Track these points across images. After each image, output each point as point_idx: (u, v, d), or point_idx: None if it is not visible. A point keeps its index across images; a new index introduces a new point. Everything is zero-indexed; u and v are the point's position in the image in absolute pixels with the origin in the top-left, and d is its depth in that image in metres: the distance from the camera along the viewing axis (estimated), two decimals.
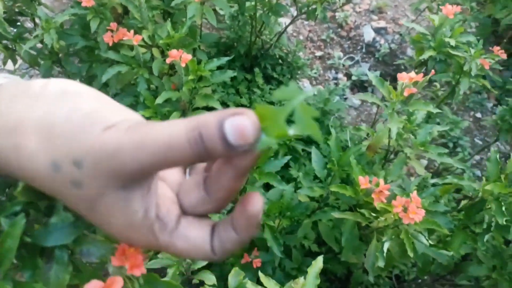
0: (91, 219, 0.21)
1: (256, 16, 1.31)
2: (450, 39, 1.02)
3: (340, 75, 2.12)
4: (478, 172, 1.82)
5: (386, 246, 0.67)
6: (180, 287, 0.26)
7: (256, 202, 0.22)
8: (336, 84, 2.11)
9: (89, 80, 1.14)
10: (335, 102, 1.50)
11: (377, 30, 2.27)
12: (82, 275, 0.22)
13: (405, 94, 0.72)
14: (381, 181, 0.75)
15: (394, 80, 2.32)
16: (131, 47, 1.00)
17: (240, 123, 0.19)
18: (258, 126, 0.20)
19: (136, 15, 0.97)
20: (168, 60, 0.87)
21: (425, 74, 0.79)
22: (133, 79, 1.06)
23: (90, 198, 0.20)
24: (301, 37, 2.21)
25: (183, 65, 0.87)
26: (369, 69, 2.17)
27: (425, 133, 0.84)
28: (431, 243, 0.66)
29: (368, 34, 2.24)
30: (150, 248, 0.23)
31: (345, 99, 2.08)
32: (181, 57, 0.87)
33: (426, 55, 1.02)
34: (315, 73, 2.07)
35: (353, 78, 2.09)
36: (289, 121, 0.21)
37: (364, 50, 2.20)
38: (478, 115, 2.06)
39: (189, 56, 0.87)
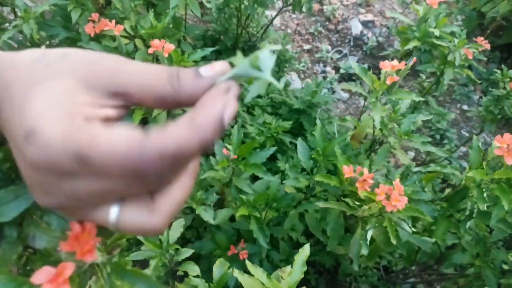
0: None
1: (241, 8, 1.29)
2: (435, 29, 1.03)
3: (328, 68, 2.12)
4: (465, 164, 1.84)
5: (369, 234, 0.67)
6: (146, 275, 0.26)
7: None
8: (324, 78, 2.11)
9: None
10: (322, 95, 1.50)
11: (365, 23, 2.27)
12: (36, 257, 0.21)
13: (388, 82, 0.72)
14: (365, 170, 0.75)
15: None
16: (114, 38, 0.98)
17: (211, 64, 0.23)
18: (226, 64, 0.23)
19: (118, 5, 0.96)
20: (150, 50, 0.86)
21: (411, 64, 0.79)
22: None
23: None
24: (289, 31, 2.20)
25: (166, 55, 0.86)
26: (357, 62, 2.17)
27: (408, 122, 0.84)
28: (414, 230, 0.66)
29: (356, 28, 2.24)
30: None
31: (333, 92, 2.08)
32: (163, 47, 0.86)
33: (410, 45, 1.02)
34: (303, 66, 2.06)
35: (341, 71, 2.10)
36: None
37: (352, 43, 2.20)
38: (465, 107, 2.08)
39: (172, 46, 0.86)
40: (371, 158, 0.92)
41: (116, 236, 0.28)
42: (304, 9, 1.18)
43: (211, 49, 0.97)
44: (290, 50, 1.91)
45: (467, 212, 0.67)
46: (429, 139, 0.80)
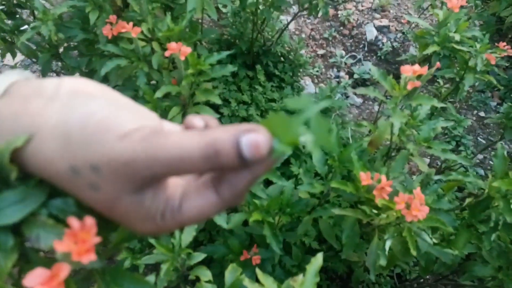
0: (112, 217, 0.23)
1: (257, 11, 1.29)
2: (455, 34, 1.01)
3: (342, 74, 2.10)
4: (481, 171, 1.80)
5: (388, 244, 0.65)
6: (147, 282, 0.25)
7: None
8: (338, 83, 2.09)
9: (89, 74, 1.12)
10: (336, 99, 1.48)
11: (380, 29, 2.25)
12: (30, 265, 0.19)
13: (408, 87, 0.70)
14: (383, 177, 0.73)
15: (397, 78, 2.31)
16: (131, 40, 0.98)
17: (254, 139, 0.21)
18: (271, 140, 0.22)
19: (135, 8, 0.96)
20: (167, 53, 0.86)
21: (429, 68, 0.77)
22: (132, 73, 1.04)
23: (108, 199, 0.22)
24: (303, 35, 2.20)
25: (183, 58, 0.86)
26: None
27: (428, 128, 0.82)
28: (435, 241, 0.64)
29: (371, 33, 2.22)
30: (161, 232, 0.24)
31: (347, 97, 2.06)
32: (180, 50, 0.86)
33: (429, 50, 1.00)
34: (317, 71, 2.05)
35: (355, 76, 2.08)
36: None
37: (366, 48, 2.18)
38: (482, 114, 2.04)
39: (188, 49, 0.86)
40: (388, 165, 0.90)
41: (117, 238, 0.27)
42: (320, 13, 1.17)
43: (227, 52, 0.97)
44: (304, 55, 1.90)
45: (491, 224, 0.65)
46: (450, 146, 0.77)
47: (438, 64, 0.75)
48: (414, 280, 1.29)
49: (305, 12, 1.44)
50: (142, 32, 0.96)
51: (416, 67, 0.70)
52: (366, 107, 2.04)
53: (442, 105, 0.75)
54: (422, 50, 1.09)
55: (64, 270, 0.19)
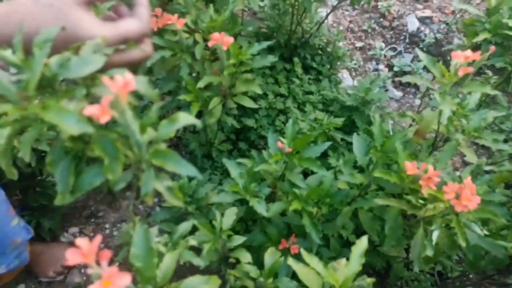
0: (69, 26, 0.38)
1: (296, 3, 1.28)
2: (509, 20, 0.95)
3: (381, 66, 2.05)
4: None
5: (435, 234, 0.63)
6: (177, 155, 0.34)
7: None
8: (378, 75, 2.04)
9: (134, 68, 1.16)
10: (376, 92, 1.45)
11: (422, 20, 2.17)
12: None
13: (460, 73, 0.67)
14: (430, 167, 0.71)
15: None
16: (175, 32, 1.01)
17: None
18: None
19: (180, 0, 0.99)
20: (210, 44, 0.88)
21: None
22: (175, 64, 1.07)
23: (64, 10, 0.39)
24: (341, 27, 2.16)
25: (225, 48, 0.87)
26: (412, 60, 2.08)
27: (479, 118, 0.79)
28: (486, 233, 0.62)
29: (412, 24, 2.14)
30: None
31: (386, 90, 2.00)
32: (223, 40, 0.87)
33: (480, 37, 0.95)
34: (355, 64, 2.01)
35: (395, 69, 2.02)
36: None
37: (407, 40, 2.11)
38: None
39: (231, 39, 0.87)
40: (434, 157, 0.87)
41: None
42: (362, 2, 1.15)
43: (267, 42, 0.97)
44: (342, 47, 1.86)
45: None
46: (502, 136, 0.74)
47: (492, 48, 0.72)
48: (456, 278, 1.25)
49: (343, 4, 1.41)
50: (185, 24, 0.98)
51: (468, 52, 0.68)
52: (406, 100, 1.98)
53: (496, 92, 0.71)
54: (471, 38, 1.05)
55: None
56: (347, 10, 2.21)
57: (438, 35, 2.08)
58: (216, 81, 0.98)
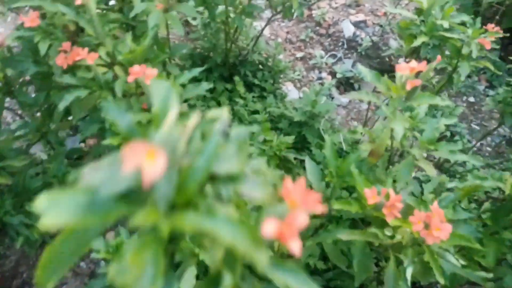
0: None
1: (228, 20, 1.20)
2: (443, 21, 0.93)
3: (324, 74, 2.03)
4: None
5: (409, 272, 0.56)
6: None
7: None
8: (322, 84, 2.01)
9: (49, 110, 1.01)
10: (323, 103, 1.40)
11: (357, 24, 2.19)
12: None
13: (408, 87, 0.61)
14: (391, 192, 0.64)
15: (381, 73, 2.22)
16: (89, 68, 0.88)
17: None
18: None
19: (89, 31, 0.86)
20: (129, 79, 0.75)
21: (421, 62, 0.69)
22: (97, 103, 0.94)
23: None
24: (279, 40, 2.11)
25: (148, 82, 0.76)
26: (353, 65, 2.08)
27: (431, 128, 0.74)
28: (463, 263, 0.55)
29: (348, 29, 2.15)
30: None
31: (332, 98, 1.98)
32: (144, 73, 0.75)
33: (418, 41, 0.92)
34: (298, 75, 1.97)
35: (338, 76, 2.00)
36: None
37: (345, 46, 2.12)
38: (471, 99, 1.98)
39: (154, 71, 0.76)
40: (390, 173, 0.81)
41: None
42: (296, 14, 1.09)
43: (199, 69, 0.87)
44: (283, 60, 1.81)
45: None
46: (459, 147, 0.69)
47: (439, 57, 0.67)
48: None
49: (279, 16, 1.35)
50: (100, 57, 0.85)
51: (413, 63, 0.62)
52: (353, 106, 1.97)
53: (448, 103, 0.66)
54: (409, 42, 1.02)
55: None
56: (283, 22, 2.18)
57: (374, 38, 2.11)
58: (146, 118, 0.86)
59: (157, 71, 0.78)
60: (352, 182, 0.74)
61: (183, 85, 0.86)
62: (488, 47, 0.87)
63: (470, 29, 0.88)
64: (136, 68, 0.76)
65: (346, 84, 2.04)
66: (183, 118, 0.87)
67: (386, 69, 2.09)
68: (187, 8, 1.01)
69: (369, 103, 1.43)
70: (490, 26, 1.00)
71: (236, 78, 1.49)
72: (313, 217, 0.88)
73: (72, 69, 0.88)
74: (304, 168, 1.36)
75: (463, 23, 0.95)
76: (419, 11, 1.09)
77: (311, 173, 0.85)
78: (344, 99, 1.98)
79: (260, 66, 1.61)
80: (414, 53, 1.06)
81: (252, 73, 1.56)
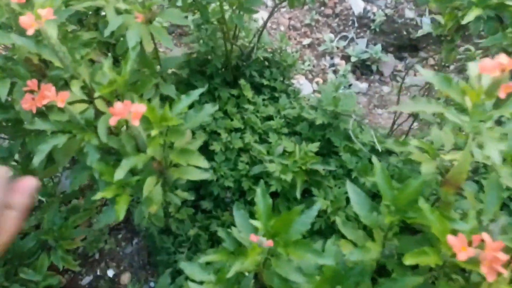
0: None
1: (225, 19, 1.01)
2: None
3: (336, 60, 1.82)
4: None
5: None
6: None
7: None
8: (335, 72, 1.81)
9: (28, 159, 0.85)
10: (344, 98, 1.21)
11: None
12: None
13: (502, 94, 0.43)
14: (486, 237, 0.47)
15: (398, 50, 1.99)
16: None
17: None
18: None
19: (57, 64, 0.68)
20: (111, 121, 0.58)
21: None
22: (80, 148, 0.77)
23: None
24: (282, 28, 1.91)
25: (136, 123, 0.58)
26: (367, 45, 1.87)
27: None
28: None
29: (357, 5, 1.93)
30: None
31: (350, 85, 1.78)
32: (130, 113, 0.58)
33: (471, 16, 0.72)
34: (308, 65, 1.77)
35: (352, 59, 1.80)
36: None
37: (356, 24, 1.90)
38: None
39: (141, 108, 0.58)
40: (460, 201, 0.63)
41: None
42: (308, 1, 0.89)
43: (198, 92, 0.69)
44: (290, 51, 1.61)
45: None
46: None
47: None
48: None
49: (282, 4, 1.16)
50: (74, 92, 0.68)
51: (503, 58, 0.43)
52: (373, 91, 1.77)
53: None
54: (451, 17, 0.82)
55: None
56: (283, 7, 1.96)
57: (388, 11, 1.89)
58: (141, 162, 0.69)
59: (144, 108, 0.60)
60: (419, 220, 0.56)
61: (181, 114, 0.69)
62: None
63: None
64: (118, 107, 0.58)
65: (363, 67, 1.83)
66: (186, 155, 0.67)
67: (405, 44, 1.87)
68: (173, 15, 0.82)
69: (400, 89, 1.24)
70: None
71: (242, 81, 1.31)
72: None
73: (43, 111, 0.71)
74: (333, 176, 1.18)
75: None
76: None
77: (357, 203, 0.67)
78: (362, 84, 1.77)
79: (266, 63, 1.42)
80: (459, 30, 0.86)
81: (259, 72, 1.37)
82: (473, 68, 0.48)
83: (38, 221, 1.05)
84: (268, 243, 0.59)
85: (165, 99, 0.91)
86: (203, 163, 0.69)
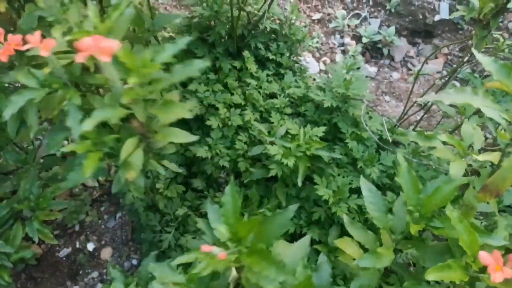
0: None
1: None
2: None
3: (347, 40, 1.71)
4: None
5: None
6: None
7: None
8: (344, 52, 1.70)
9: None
10: (356, 81, 1.11)
11: None
12: None
13: None
14: None
15: (412, 35, 1.87)
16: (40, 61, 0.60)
17: None
18: None
19: (40, 3, 0.57)
20: (78, 58, 0.48)
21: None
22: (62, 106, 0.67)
23: None
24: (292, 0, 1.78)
25: (108, 59, 0.48)
26: (380, 26, 1.75)
27: None
28: None
29: None
30: None
31: (358, 68, 1.68)
32: (100, 48, 0.48)
33: None
34: (317, 42, 1.65)
35: (364, 40, 1.69)
36: None
37: (371, 2, 1.77)
38: None
39: (114, 44, 0.48)
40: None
41: None
42: None
43: (186, 39, 0.59)
44: (301, 27, 1.50)
45: None
46: None
47: None
48: None
49: None
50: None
51: None
52: (382, 76, 1.67)
53: None
54: (485, 1, 0.73)
55: None
56: None
57: None
58: (115, 115, 0.59)
59: (117, 44, 0.50)
60: (446, 232, 0.49)
61: (167, 64, 0.59)
62: None
63: None
64: (86, 41, 0.47)
65: (373, 50, 1.72)
66: (168, 109, 0.56)
67: (420, 29, 1.76)
68: None
69: (416, 77, 1.15)
70: None
71: (246, 53, 1.20)
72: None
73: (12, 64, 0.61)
74: (337, 164, 1.10)
75: None
76: None
77: (372, 204, 0.59)
78: (371, 68, 1.67)
79: (274, 35, 1.31)
80: (497, 16, 0.76)
81: (265, 45, 1.26)
82: None
83: (14, 188, 0.95)
84: (221, 255, 0.50)
85: None
86: (186, 114, 0.59)
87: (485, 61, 0.41)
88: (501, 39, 1.01)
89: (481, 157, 0.53)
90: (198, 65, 0.63)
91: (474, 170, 0.59)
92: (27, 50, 0.57)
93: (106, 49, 0.47)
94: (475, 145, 0.61)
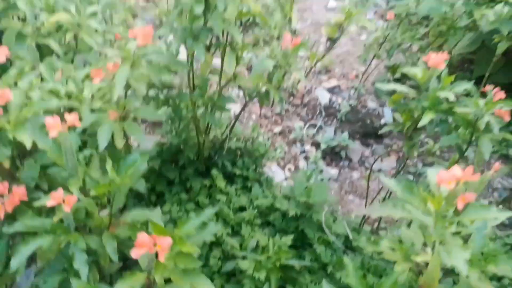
0: None
1: (197, 116, 1.05)
2: (443, 92, 0.81)
3: (307, 147, 1.89)
4: None
5: None
6: None
7: None
8: (306, 158, 1.87)
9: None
10: (316, 188, 1.22)
11: (331, 90, 2.13)
12: None
13: (459, 206, 0.44)
14: None
15: (364, 137, 2.09)
16: (40, 212, 0.68)
17: None
18: None
19: (58, 161, 0.67)
20: (134, 255, 0.54)
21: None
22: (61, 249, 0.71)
23: None
24: (253, 117, 2.00)
25: (162, 259, 0.54)
26: (335, 133, 1.97)
27: (480, 238, 0.56)
28: None
29: (323, 96, 2.08)
30: None
31: (321, 171, 1.83)
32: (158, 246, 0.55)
33: (425, 120, 0.78)
34: (280, 152, 1.82)
35: (322, 146, 1.87)
36: None
37: (323, 113, 2.02)
38: None
39: (168, 240, 0.55)
40: None
41: None
42: (276, 101, 0.95)
43: (209, 212, 0.68)
44: (262, 139, 1.67)
45: None
46: None
47: (496, 165, 0.51)
48: None
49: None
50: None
51: (456, 170, 0.45)
52: (344, 177, 1.81)
53: (509, 214, 0.49)
54: (407, 117, 0.89)
55: None
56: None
57: (352, 102, 2.03)
58: (139, 282, 0.63)
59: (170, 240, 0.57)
60: None
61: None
62: (507, 118, 0.75)
63: (481, 100, 0.76)
64: (143, 238, 0.54)
65: (332, 154, 1.90)
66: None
67: (370, 132, 1.98)
68: (149, 112, 0.85)
69: (370, 173, 1.27)
70: (489, 87, 0.89)
71: (214, 171, 1.31)
72: None
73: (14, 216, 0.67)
74: (309, 271, 1.14)
75: (467, 93, 0.83)
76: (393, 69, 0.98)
77: None
78: (333, 170, 1.83)
79: (239, 153, 1.45)
80: (418, 131, 0.92)
81: (231, 162, 1.39)
82: (432, 175, 0.50)
83: None
84: None
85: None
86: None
87: (391, 183, 0.52)
88: (432, 143, 1.18)
89: (419, 258, 0.61)
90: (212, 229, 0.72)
91: (420, 267, 0.66)
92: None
93: (163, 247, 0.55)
94: (416, 245, 0.69)
